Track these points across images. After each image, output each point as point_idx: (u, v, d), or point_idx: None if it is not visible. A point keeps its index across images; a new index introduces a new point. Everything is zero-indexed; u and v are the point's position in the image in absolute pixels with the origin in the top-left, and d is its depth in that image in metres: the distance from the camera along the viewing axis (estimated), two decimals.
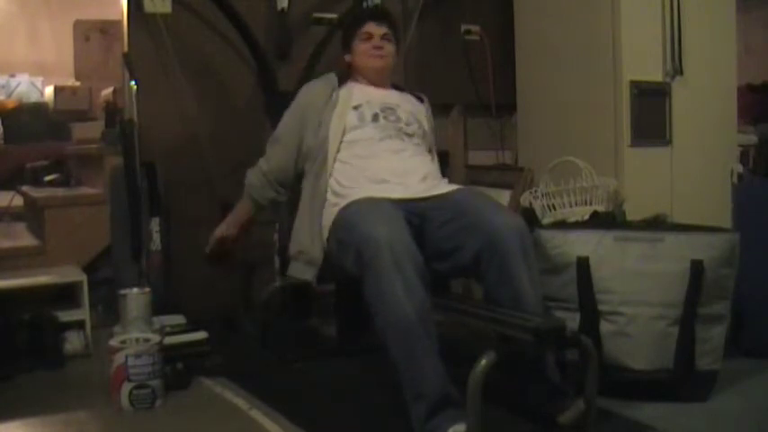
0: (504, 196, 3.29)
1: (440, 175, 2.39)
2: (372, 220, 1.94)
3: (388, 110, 2.39)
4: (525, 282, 1.97)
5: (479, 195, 2.27)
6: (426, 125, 2.50)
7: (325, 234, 2.19)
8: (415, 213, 2.08)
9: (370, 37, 2.43)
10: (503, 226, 2.00)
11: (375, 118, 2.36)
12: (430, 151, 2.49)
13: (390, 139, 2.32)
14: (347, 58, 2.50)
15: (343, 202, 2.15)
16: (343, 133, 2.33)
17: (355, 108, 2.37)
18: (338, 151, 2.30)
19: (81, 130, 4.36)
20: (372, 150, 2.29)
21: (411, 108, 2.48)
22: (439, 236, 2.08)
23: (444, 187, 2.27)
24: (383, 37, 2.44)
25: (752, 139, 3.45)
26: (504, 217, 2.06)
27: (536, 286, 2.00)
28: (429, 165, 2.38)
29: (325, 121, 2.35)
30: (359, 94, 2.42)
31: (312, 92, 2.46)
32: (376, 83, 2.46)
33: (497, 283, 1.98)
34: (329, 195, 2.26)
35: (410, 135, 2.38)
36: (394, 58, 2.48)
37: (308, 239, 2.26)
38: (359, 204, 2.07)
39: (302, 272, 2.28)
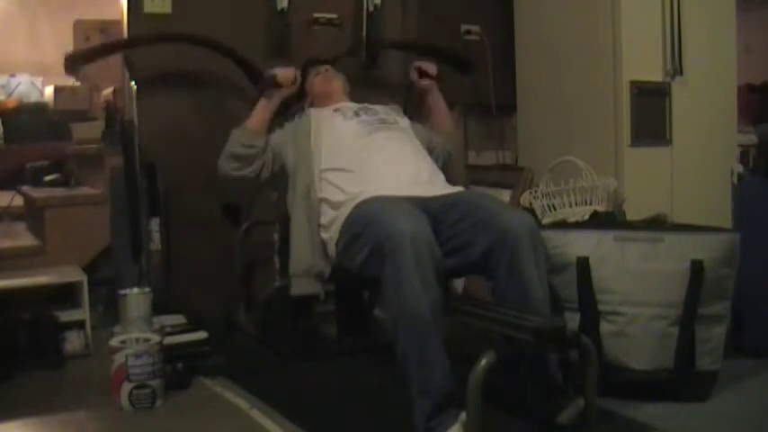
0: (504, 196, 3.29)
1: (437, 170, 2.40)
2: (394, 214, 1.95)
3: (364, 108, 2.53)
4: (534, 279, 1.98)
5: (488, 196, 2.34)
6: (402, 122, 2.58)
7: (333, 233, 2.19)
8: (429, 213, 2.08)
9: (318, 72, 2.70)
10: (514, 223, 2.01)
11: (357, 114, 2.48)
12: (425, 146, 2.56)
13: (378, 132, 2.40)
14: (308, 101, 2.68)
15: (348, 208, 2.15)
16: (328, 139, 2.40)
17: (336, 111, 2.51)
18: (324, 162, 2.35)
19: (81, 130, 4.35)
20: (362, 148, 2.32)
21: (379, 107, 2.59)
22: (450, 234, 2.08)
23: (451, 187, 2.31)
24: (327, 69, 2.73)
25: (752, 139, 3.45)
26: (514, 214, 2.08)
27: (544, 284, 2.01)
28: (423, 157, 2.40)
29: (304, 140, 2.44)
30: (331, 106, 2.57)
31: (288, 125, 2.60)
32: (339, 101, 2.61)
33: (507, 280, 1.99)
34: (326, 208, 2.27)
35: (393, 123, 2.47)
36: (345, 81, 2.72)
37: (310, 254, 2.29)
38: (377, 200, 2.08)
39: (307, 287, 2.34)
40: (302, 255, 2.32)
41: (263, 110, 2.54)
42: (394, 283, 1.86)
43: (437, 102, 2.76)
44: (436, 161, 2.55)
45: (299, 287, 2.35)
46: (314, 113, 2.53)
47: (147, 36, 3.00)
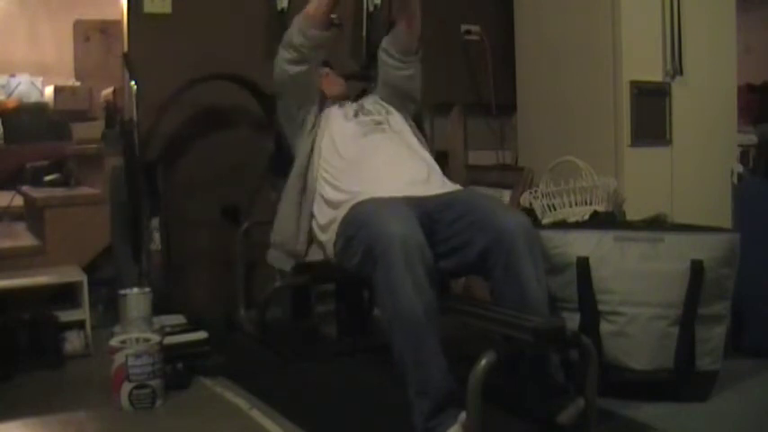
0: (504, 196, 3.29)
1: (437, 167, 2.40)
2: (386, 217, 1.95)
3: (362, 108, 2.51)
4: (532, 279, 1.98)
5: (485, 195, 2.32)
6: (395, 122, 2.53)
7: (331, 234, 2.20)
8: (426, 213, 2.09)
9: (320, 75, 2.62)
10: (510, 223, 2.01)
11: (356, 114, 2.47)
12: (408, 106, 2.55)
13: (374, 133, 2.40)
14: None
15: (346, 204, 2.16)
16: (330, 133, 2.40)
17: (340, 106, 2.50)
18: (323, 158, 2.35)
19: (81, 130, 4.35)
20: (360, 150, 2.33)
21: (371, 100, 2.58)
22: (448, 234, 2.09)
23: (449, 186, 2.31)
24: (328, 73, 2.66)
25: (752, 139, 3.45)
26: (511, 215, 2.08)
27: (542, 284, 2.01)
28: (419, 157, 2.40)
29: (314, 117, 2.44)
30: (336, 103, 2.55)
31: None
32: (342, 100, 2.59)
33: (504, 280, 1.99)
34: (324, 207, 2.27)
35: (386, 125, 2.45)
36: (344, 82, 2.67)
37: (293, 233, 2.31)
38: (372, 202, 2.08)
39: (281, 262, 2.36)
40: (284, 227, 2.35)
41: None
42: (386, 286, 1.87)
43: (405, 7, 2.46)
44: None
45: (272, 258, 2.39)
46: (327, 103, 2.53)
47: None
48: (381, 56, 2.55)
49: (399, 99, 2.55)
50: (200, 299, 3.05)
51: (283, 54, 2.41)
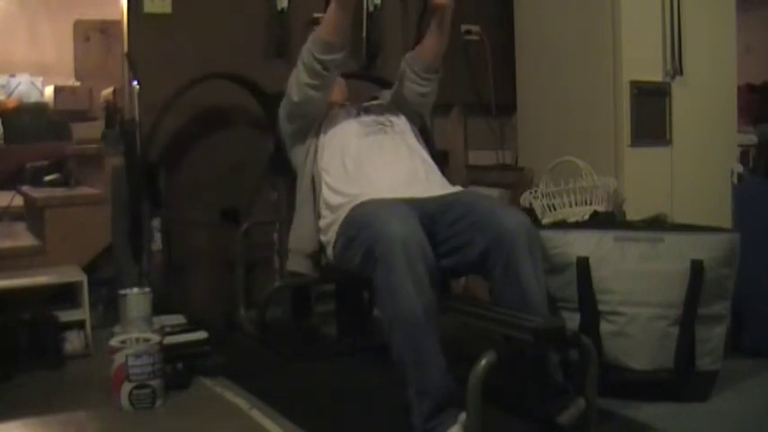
0: (504, 196, 3.29)
1: (436, 168, 2.40)
2: (386, 217, 1.95)
3: (364, 109, 2.51)
4: (532, 279, 1.98)
5: (485, 196, 2.34)
6: (398, 122, 2.52)
7: (331, 236, 2.20)
8: (427, 214, 2.09)
9: None
10: (510, 224, 2.01)
11: (357, 115, 2.46)
12: (414, 118, 2.54)
13: (375, 134, 2.39)
14: None
15: (346, 211, 2.16)
16: (332, 134, 2.40)
17: (341, 107, 2.50)
18: (325, 161, 2.34)
19: (81, 130, 4.36)
20: (360, 150, 2.33)
21: (379, 103, 2.58)
22: (448, 234, 2.09)
23: (449, 187, 2.31)
24: None
25: (752, 139, 3.45)
26: (511, 215, 2.08)
27: (542, 285, 2.01)
28: (419, 157, 2.40)
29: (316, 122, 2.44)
30: (335, 105, 2.53)
31: None
32: (342, 102, 2.59)
33: (504, 280, 1.99)
34: (324, 211, 2.28)
35: (389, 126, 2.45)
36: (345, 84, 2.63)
37: (308, 232, 2.31)
38: (372, 203, 2.08)
39: (300, 265, 2.34)
40: (301, 231, 2.34)
41: (335, 10, 2.18)
42: (386, 286, 1.87)
43: (441, 24, 2.40)
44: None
45: (293, 263, 2.37)
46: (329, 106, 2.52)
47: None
48: (403, 68, 2.53)
49: (408, 112, 2.55)
50: (200, 299, 3.05)
51: (307, 80, 2.30)
